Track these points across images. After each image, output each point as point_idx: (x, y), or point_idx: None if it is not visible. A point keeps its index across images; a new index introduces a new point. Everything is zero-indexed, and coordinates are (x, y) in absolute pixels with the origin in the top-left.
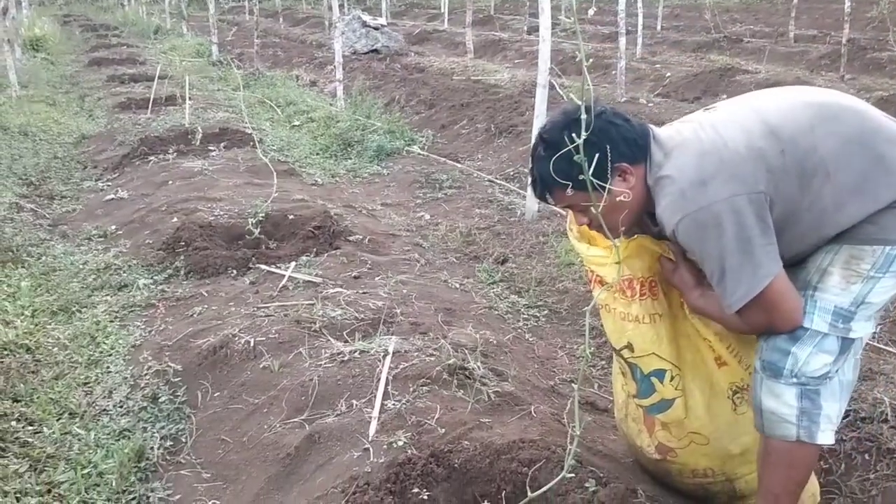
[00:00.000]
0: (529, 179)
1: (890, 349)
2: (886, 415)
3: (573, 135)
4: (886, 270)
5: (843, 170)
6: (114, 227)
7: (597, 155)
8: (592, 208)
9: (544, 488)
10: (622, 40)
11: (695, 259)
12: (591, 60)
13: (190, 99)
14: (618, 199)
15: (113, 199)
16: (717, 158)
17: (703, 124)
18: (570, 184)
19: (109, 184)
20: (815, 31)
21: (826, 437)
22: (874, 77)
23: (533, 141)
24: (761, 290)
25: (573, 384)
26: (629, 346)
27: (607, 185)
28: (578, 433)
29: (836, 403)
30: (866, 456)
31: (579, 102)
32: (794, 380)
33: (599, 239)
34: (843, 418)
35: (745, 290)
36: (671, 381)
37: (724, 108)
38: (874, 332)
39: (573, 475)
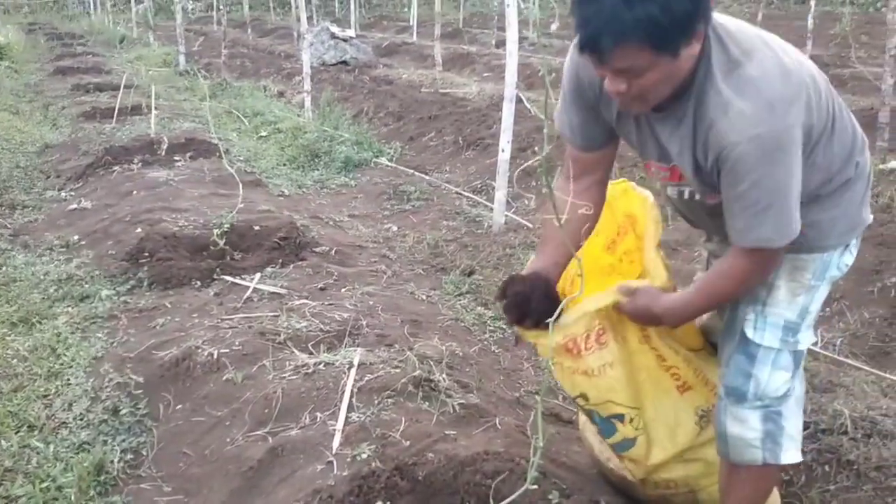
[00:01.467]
0: (577, 22)
1: (850, 362)
2: (846, 427)
3: None
4: (822, 277)
5: (842, 132)
6: (76, 237)
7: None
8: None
9: (507, 501)
10: None
11: (729, 182)
12: (552, 75)
13: (156, 109)
14: (677, 72)
15: (76, 209)
16: (799, 81)
17: (767, 37)
18: (651, 31)
19: (73, 193)
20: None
21: (790, 455)
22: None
23: None
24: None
25: (538, 396)
26: (583, 396)
27: (680, 45)
28: (541, 445)
29: (795, 420)
30: (826, 468)
31: (541, 116)
32: (759, 402)
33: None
34: (804, 430)
35: (787, 232)
36: (630, 422)
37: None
38: (834, 346)
39: (536, 486)
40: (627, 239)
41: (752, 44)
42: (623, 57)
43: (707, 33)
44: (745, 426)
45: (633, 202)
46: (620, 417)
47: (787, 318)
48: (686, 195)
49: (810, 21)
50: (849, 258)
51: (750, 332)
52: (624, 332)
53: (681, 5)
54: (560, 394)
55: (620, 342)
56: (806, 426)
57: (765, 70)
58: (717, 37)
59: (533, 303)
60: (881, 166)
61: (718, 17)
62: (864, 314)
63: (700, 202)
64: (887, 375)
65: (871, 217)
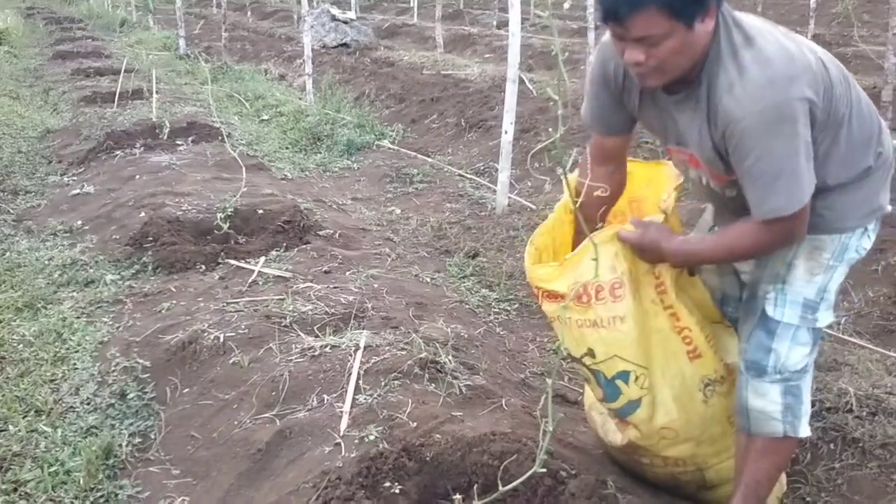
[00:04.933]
0: None
1: (855, 340)
2: (851, 405)
3: None
4: (841, 259)
5: (859, 124)
6: (80, 222)
7: None
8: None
9: (515, 482)
10: (591, 35)
11: (738, 157)
12: (566, 54)
13: (157, 93)
14: (693, 44)
15: (79, 193)
16: (804, 63)
17: (773, 26)
18: (668, 2)
19: (75, 178)
20: (782, 27)
21: (806, 429)
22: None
23: None
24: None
25: (544, 377)
26: (590, 353)
27: (694, 16)
28: (551, 429)
29: (809, 396)
30: (832, 445)
31: (555, 97)
32: (778, 376)
33: (553, 251)
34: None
35: (809, 187)
36: (636, 381)
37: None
38: (839, 325)
39: (544, 469)
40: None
41: (757, 29)
42: (641, 24)
43: (718, 18)
44: (766, 399)
45: (636, 185)
46: (626, 377)
47: (806, 297)
48: (704, 181)
49: (812, 0)
50: (867, 242)
51: (770, 310)
52: (640, 291)
53: None
54: (567, 375)
55: (637, 300)
56: (811, 404)
57: (766, 51)
58: (726, 23)
59: None
60: None
61: (727, 7)
62: (868, 293)
63: (719, 188)
64: (892, 354)
65: (890, 207)
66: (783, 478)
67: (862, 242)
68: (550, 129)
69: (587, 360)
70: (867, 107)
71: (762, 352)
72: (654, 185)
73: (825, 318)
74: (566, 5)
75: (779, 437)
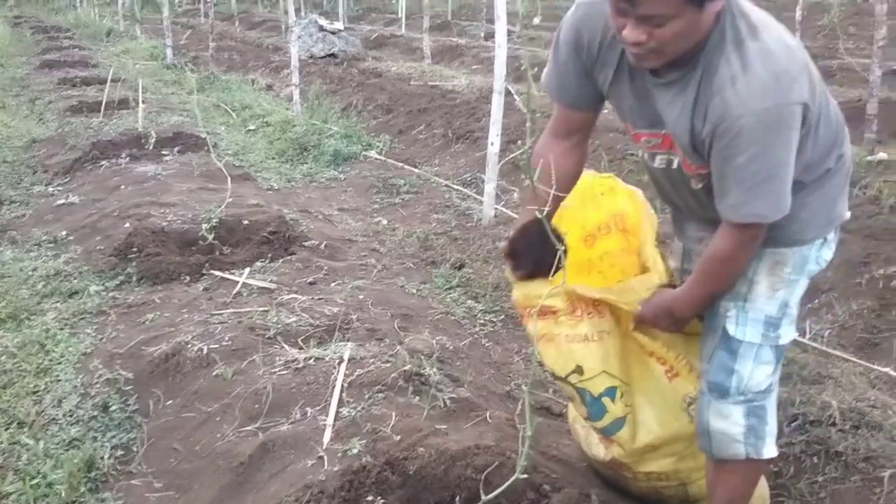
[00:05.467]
0: None
1: (838, 353)
2: (834, 418)
3: None
4: (802, 271)
5: (826, 124)
6: (64, 232)
7: None
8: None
9: (496, 491)
10: None
11: (724, 156)
12: (535, 69)
13: (143, 103)
14: (699, 25)
15: (64, 204)
16: (803, 62)
17: (776, 22)
18: None
19: (60, 188)
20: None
21: (770, 450)
22: (825, 84)
23: None
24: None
25: (525, 387)
26: (578, 370)
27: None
28: (530, 434)
29: (773, 415)
30: (815, 459)
31: (524, 109)
32: (741, 397)
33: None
34: (792, 422)
35: (783, 206)
36: (621, 398)
37: None
38: (823, 338)
39: (526, 476)
40: (610, 239)
41: (762, 20)
42: (653, 1)
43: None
44: (729, 421)
45: (619, 200)
46: (612, 393)
47: (768, 313)
48: (674, 165)
49: (798, 12)
50: (827, 253)
51: (731, 329)
52: (617, 311)
53: None
54: (550, 387)
55: (615, 317)
56: (794, 418)
57: (772, 45)
58: (731, 11)
59: (535, 240)
60: (869, 158)
61: None
62: (852, 306)
63: (686, 177)
64: (875, 367)
65: (849, 214)
66: (766, 492)
67: (822, 253)
68: (520, 143)
69: (573, 379)
70: (834, 109)
71: (724, 373)
72: (636, 203)
73: (787, 334)
74: (536, 20)
75: (741, 459)
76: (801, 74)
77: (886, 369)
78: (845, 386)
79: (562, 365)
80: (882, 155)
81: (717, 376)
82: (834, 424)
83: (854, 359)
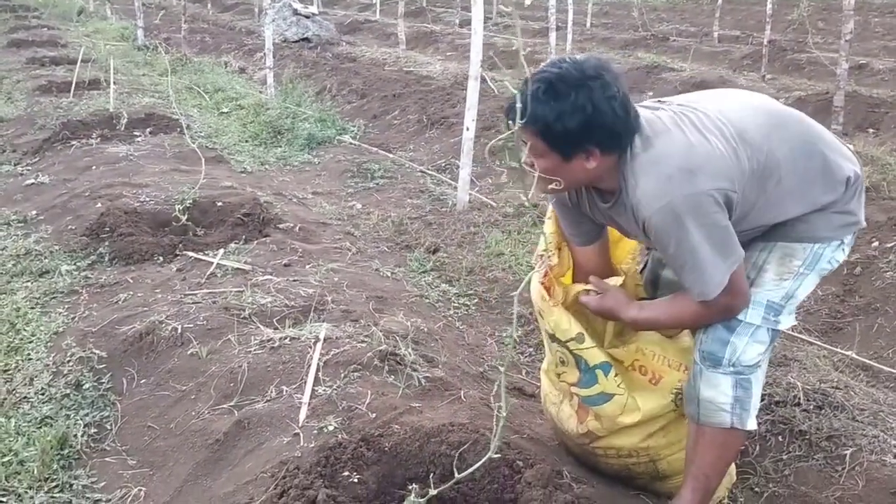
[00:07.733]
0: (517, 101)
1: (803, 337)
2: (799, 399)
3: (579, 97)
4: (813, 267)
5: (792, 174)
6: (34, 212)
7: (578, 121)
8: (536, 165)
9: (470, 469)
10: (552, 35)
11: (660, 248)
12: (527, 50)
13: (114, 83)
14: (570, 172)
15: (33, 183)
16: (705, 153)
17: (682, 119)
18: (543, 130)
19: (29, 168)
20: (739, 32)
21: (753, 423)
22: (793, 77)
23: (539, 75)
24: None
25: (501, 367)
26: (578, 338)
27: (570, 155)
28: (504, 414)
29: (758, 391)
30: (780, 438)
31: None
32: (731, 369)
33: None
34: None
35: (721, 277)
36: (615, 376)
37: (689, 106)
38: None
39: (499, 455)
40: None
41: (659, 129)
42: (527, 133)
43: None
44: (718, 390)
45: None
46: (606, 368)
47: (771, 299)
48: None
49: (769, 7)
50: (841, 255)
51: None
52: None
53: (570, 124)
54: (523, 368)
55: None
56: (761, 398)
57: (665, 149)
58: (640, 134)
59: None
60: None
61: (642, 109)
62: (817, 291)
63: None
64: (839, 350)
65: (864, 222)
66: (732, 469)
67: (836, 255)
68: (510, 123)
69: (573, 345)
70: (809, 156)
71: (719, 343)
72: None
73: (787, 321)
74: (527, 2)
75: (726, 427)
76: (702, 165)
77: (849, 352)
78: (809, 368)
79: (565, 328)
80: (849, 147)
81: (711, 346)
82: (798, 405)
83: (818, 342)
